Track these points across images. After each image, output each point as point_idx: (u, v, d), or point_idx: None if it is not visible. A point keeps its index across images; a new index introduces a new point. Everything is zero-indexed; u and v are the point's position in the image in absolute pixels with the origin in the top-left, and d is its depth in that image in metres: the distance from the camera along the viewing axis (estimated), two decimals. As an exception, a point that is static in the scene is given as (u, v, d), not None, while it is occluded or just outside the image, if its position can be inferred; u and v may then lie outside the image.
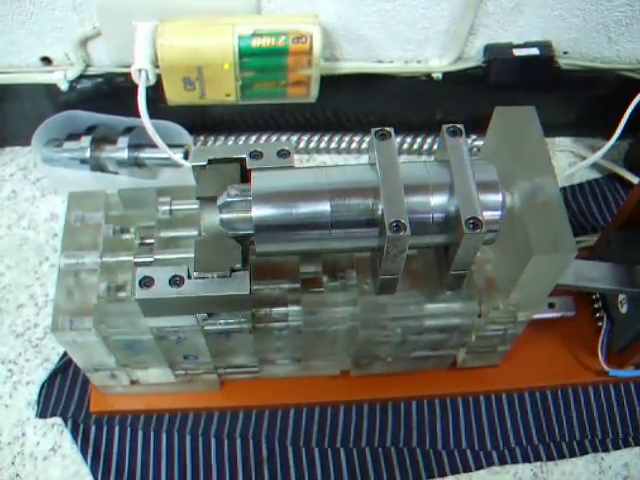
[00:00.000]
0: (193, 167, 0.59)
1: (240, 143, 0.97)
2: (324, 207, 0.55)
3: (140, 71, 0.81)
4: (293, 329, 0.64)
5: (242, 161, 0.59)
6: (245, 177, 0.58)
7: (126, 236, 0.68)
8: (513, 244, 0.58)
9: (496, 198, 0.56)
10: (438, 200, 0.55)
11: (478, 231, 0.52)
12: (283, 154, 0.59)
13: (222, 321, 0.61)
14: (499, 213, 0.56)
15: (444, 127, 0.57)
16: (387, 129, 0.56)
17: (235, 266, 0.55)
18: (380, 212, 0.54)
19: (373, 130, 0.56)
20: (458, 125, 0.57)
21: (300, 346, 0.69)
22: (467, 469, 0.76)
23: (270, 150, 0.59)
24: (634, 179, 0.95)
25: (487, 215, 0.53)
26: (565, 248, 0.55)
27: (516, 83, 0.92)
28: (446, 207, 0.55)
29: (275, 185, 0.56)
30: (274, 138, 0.97)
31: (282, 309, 0.63)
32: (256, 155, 0.59)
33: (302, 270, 0.64)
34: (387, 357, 0.73)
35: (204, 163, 0.59)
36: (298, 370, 0.75)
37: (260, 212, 0.55)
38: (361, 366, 0.75)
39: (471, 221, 0.52)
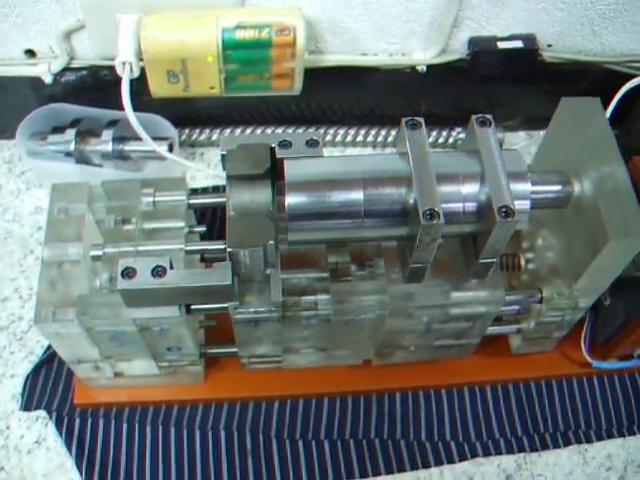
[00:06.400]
0: (222, 155, 0.59)
1: (226, 135, 0.96)
2: (357, 195, 0.55)
3: (124, 64, 0.81)
4: (322, 318, 0.64)
5: (271, 150, 0.59)
6: (274, 160, 0.58)
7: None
8: (582, 231, 0.59)
9: (525, 187, 0.57)
10: (469, 189, 0.56)
11: (510, 219, 0.53)
12: (312, 143, 0.60)
13: (252, 309, 0.61)
14: (528, 202, 0.57)
15: (473, 117, 0.58)
16: (417, 119, 0.57)
17: (269, 242, 0.55)
18: (413, 201, 0.54)
19: (404, 120, 0.57)
20: (487, 115, 0.58)
21: (327, 335, 0.69)
22: (451, 460, 0.76)
23: (299, 140, 0.60)
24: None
25: (517, 204, 0.54)
26: (638, 233, 0.55)
27: (500, 76, 0.92)
28: (477, 196, 0.56)
29: (308, 173, 0.56)
30: (259, 131, 0.97)
31: (311, 297, 0.63)
32: (285, 144, 0.59)
33: (330, 260, 0.64)
34: (410, 346, 0.73)
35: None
36: (321, 359, 0.75)
37: (294, 200, 0.55)
38: (383, 355, 0.75)
39: (503, 209, 0.53)
